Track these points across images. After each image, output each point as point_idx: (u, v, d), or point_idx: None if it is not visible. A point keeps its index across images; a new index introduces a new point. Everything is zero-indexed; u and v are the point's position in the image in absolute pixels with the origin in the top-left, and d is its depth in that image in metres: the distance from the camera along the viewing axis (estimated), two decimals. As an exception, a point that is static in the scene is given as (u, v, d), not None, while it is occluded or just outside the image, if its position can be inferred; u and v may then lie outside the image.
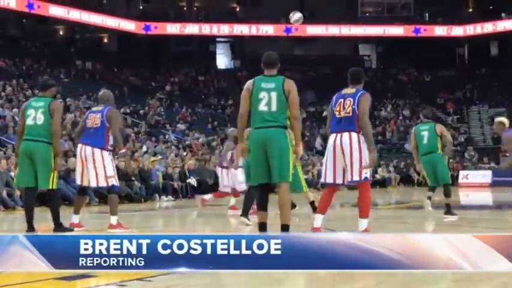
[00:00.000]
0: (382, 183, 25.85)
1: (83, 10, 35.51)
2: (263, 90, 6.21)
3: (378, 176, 25.53)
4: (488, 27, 39.28)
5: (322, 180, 7.12)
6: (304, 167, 24.04)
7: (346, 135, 6.80)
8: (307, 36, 40.19)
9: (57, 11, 34.36)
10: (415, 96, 38.19)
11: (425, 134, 10.73)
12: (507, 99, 37.09)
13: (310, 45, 41.42)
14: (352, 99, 6.95)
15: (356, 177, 6.77)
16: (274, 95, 6.15)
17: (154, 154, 21.15)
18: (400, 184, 27.66)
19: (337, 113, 6.95)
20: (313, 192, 13.89)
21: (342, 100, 6.98)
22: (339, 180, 6.92)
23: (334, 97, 7.11)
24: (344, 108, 6.90)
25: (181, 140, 26.68)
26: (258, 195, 6.54)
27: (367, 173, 6.81)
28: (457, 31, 40.42)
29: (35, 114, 7.60)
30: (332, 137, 6.93)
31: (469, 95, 38.47)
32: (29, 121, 7.62)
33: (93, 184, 8.20)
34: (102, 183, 8.15)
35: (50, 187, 7.64)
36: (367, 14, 42.31)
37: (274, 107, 6.13)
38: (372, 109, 36.01)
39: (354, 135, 6.80)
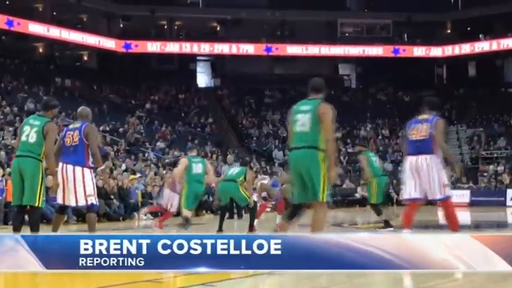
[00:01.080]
0: (362, 203, 25.88)
1: (63, 28, 35.40)
2: (300, 113, 6.58)
3: (357, 196, 25.58)
4: (466, 48, 39.81)
5: (405, 197, 8.02)
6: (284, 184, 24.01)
7: (424, 157, 7.60)
8: (287, 56, 40.39)
9: (36, 29, 34.21)
10: (395, 115, 38.46)
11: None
12: (485, 119, 37.49)
13: (291, 64, 41.61)
14: (428, 124, 7.67)
15: (438, 196, 7.68)
16: (308, 116, 6.49)
17: (134, 172, 21.00)
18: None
19: (413, 136, 7.71)
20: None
21: (419, 125, 7.73)
22: (419, 195, 7.80)
23: (410, 122, 7.91)
24: (420, 132, 7.67)
25: (160, 158, 26.55)
26: (290, 209, 6.98)
27: (447, 191, 7.76)
28: (436, 51, 40.90)
29: (29, 132, 7.62)
30: (410, 158, 7.72)
31: (447, 115, 38.85)
32: (23, 137, 7.67)
33: (73, 203, 8.02)
34: (82, 202, 7.97)
35: (36, 204, 7.56)
36: (347, 35, 42.66)
37: (308, 129, 6.44)
38: (351, 128, 36.26)
39: (432, 156, 7.59)
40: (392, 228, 11.13)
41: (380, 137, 35.71)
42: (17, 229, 7.61)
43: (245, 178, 11.63)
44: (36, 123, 7.67)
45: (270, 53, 39.86)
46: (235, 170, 11.96)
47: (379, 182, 11.97)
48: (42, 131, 7.57)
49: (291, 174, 6.70)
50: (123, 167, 21.74)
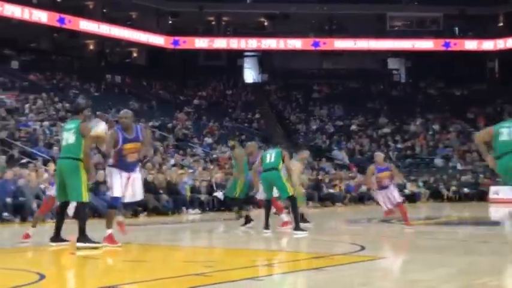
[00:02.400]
0: (412, 199, 25.54)
1: (113, 25, 35.95)
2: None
3: (407, 191, 25.25)
4: (519, 42, 38.85)
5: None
6: (332, 182, 23.95)
7: None
8: (335, 50, 40.13)
9: (87, 26, 34.84)
10: (445, 110, 37.79)
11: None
12: (539, 113, 36.50)
13: (338, 59, 41.34)
14: None
15: None
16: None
17: (182, 167, 21.21)
18: (430, 199, 27.32)
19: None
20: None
21: None
22: None
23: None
24: None
25: (208, 153, 26.73)
26: None
27: None
28: (488, 45, 39.99)
29: (66, 136, 8.23)
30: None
31: (499, 110, 37.96)
32: (63, 142, 8.39)
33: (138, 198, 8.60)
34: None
35: (82, 200, 8.03)
36: (396, 28, 42.10)
37: None
38: (401, 123, 35.79)
39: None
40: None
41: (430, 132, 35.15)
42: (59, 221, 8.42)
43: (283, 160, 10.77)
44: (71, 126, 8.26)
45: (318, 48, 39.65)
46: (272, 155, 10.96)
47: None
48: (78, 131, 8.07)
49: None
50: (172, 162, 21.96)
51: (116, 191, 8.25)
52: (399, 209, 11.88)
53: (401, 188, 26.75)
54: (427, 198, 27.22)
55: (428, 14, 41.59)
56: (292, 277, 6.14)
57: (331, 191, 23.18)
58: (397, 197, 11.81)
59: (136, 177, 8.47)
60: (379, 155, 12.35)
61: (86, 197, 8.03)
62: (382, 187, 11.78)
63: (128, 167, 8.31)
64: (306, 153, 13.40)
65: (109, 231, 8.25)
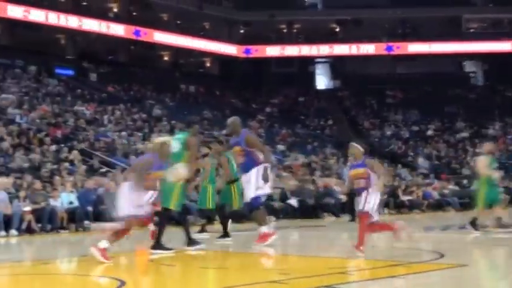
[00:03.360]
0: (490, 204, 24.72)
1: (187, 36, 36.64)
2: None
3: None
4: None
5: None
6: (408, 188, 23.50)
7: None
8: (409, 54, 39.50)
9: (162, 37, 35.66)
10: (525, 113, 36.52)
11: None
12: None
13: (412, 63, 40.65)
14: None
15: None
16: None
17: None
18: (510, 205, 26.37)
19: None
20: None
21: None
22: None
23: None
24: None
25: (281, 160, 26.75)
26: None
27: None
28: None
29: (174, 145, 8.64)
30: None
31: None
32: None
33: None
34: None
35: (169, 207, 8.43)
36: (472, 30, 41.05)
37: None
38: (479, 127, 34.80)
39: None
40: None
41: (510, 136, 34.01)
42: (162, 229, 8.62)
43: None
44: (179, 136, 9.05)
45: (391, 52, 39.14)
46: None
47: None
48: (184, 143, 8.74)
49: None
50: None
51: (257, 191, 8.99)
52: (359, 220, 8.32)
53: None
54: (507, 204, 26.28)
55: (505, 15, 40.35)
56: (370, 285, 6.06)
57: (408, 197, 22.75)
58: (362, 204, 8.14)
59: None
60: (353, 146, 8.40)
61: (175, 205, 8.40)
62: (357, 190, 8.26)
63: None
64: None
65: (263, 229, 9.00)
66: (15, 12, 29.99)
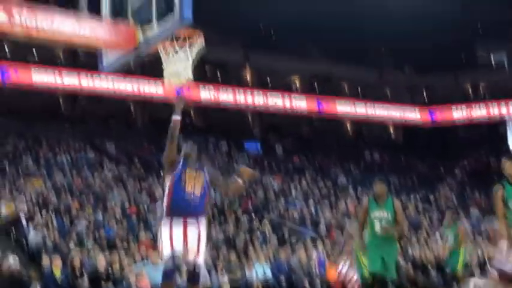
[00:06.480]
0: None
1: (368, 104, 36.76)
2: None
3: None
4: None
5: None
6: None
7: None
8: None
9: (344, 108, 36.13)
10: None
11: None
12: None
13: None
14: None
15: None
16: None
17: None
18: None
19: None
20: None
21: None
22: None
23: None
24: None
25: (476, 226, 25.39)
26: None
27: None
28: None
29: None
30: None
31: None
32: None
33: None
34: None
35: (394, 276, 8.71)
36: None
37: None
38: None
39: None
40: None
41: None
42: None
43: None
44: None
45: None
46: None
47: None
48: (393, 208, 8.89)
49: None
50: (437, 236, 21.26)
51: None
52: None
53: None
54: None
55: None
56: None
57: None
58: None
59: None
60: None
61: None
62: None
63: None
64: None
65: None
66: (207, 95, 32.10)
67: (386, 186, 9.34)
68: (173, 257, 6.34)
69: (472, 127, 39.65)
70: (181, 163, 6.65)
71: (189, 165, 6.67)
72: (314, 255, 15.73)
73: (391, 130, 41.50)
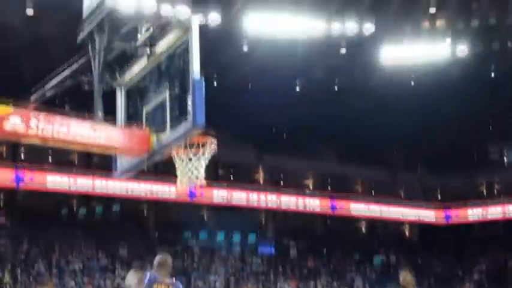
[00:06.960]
0: None
1: (382, 205, 36.44)
2: None
3: None
4: None
5: None
6: None
7: None
8: None
9: (358, 209, 35.79)
10: None
11: None
12: None
13: None
14: None
15: None
16: None
17: None
18: None
19: None
20: None
21: None
22: None
23: None
24: None
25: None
26: None
27: None
28: None
29: None
30: None
31: None
32: None
33: None
34: None
35: None
36: None
37: None
38: None
39: None
40: None
41: None
42: None
43: None
44: None
45: None
46: None
47: None
48: None
49: None
50: None
51: None
52: None
53: None
54: None
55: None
56: None
57: None
58: None
59: None
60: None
61: None
62: None
63: None
64: None
65: None
66: (219, 196, 31.89)
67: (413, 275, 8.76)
68: None
69: (488, 226, 39.06)
70: (147, 277, 6.41)
71: (159, 279, 6.40)
72: None
73: (406, 229, 40.95)
